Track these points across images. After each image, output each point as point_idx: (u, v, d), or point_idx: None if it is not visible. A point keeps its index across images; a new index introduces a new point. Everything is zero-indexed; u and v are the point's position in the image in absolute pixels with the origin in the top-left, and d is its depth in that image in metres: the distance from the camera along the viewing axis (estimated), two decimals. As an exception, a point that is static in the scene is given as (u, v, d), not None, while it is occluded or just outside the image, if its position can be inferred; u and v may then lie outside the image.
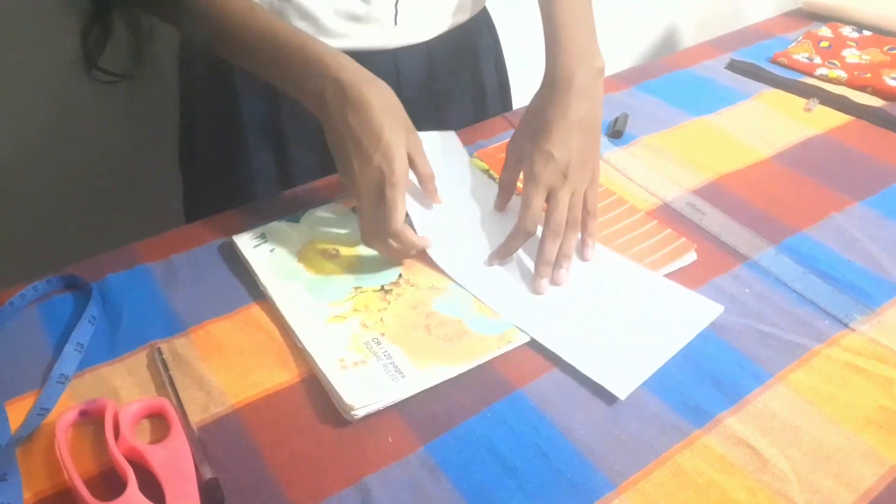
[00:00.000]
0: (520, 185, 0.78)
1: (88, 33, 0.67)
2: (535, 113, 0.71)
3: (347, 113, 0.63)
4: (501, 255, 0.68)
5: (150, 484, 0.49)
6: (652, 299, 0.65)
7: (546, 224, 0.67)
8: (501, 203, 0.73)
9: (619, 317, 0.64)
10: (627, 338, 0.62)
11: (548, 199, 0.68)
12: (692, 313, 0.64)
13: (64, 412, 0.53)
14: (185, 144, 0.91)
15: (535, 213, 0.67)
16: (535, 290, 0.65)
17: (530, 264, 0.68)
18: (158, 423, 0.54)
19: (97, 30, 0.67)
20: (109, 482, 0.50)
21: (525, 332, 0.61)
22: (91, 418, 0.54)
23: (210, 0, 0.67)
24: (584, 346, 0.60)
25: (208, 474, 0.50)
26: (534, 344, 0.61)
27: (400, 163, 0.63)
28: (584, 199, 0.70)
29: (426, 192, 0.69)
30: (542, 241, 0.67)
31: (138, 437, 0.53)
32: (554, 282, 0.66)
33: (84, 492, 0.48)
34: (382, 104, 0.64)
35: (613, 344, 0.61)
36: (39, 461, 0.51)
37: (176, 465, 0.50)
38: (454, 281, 0.66)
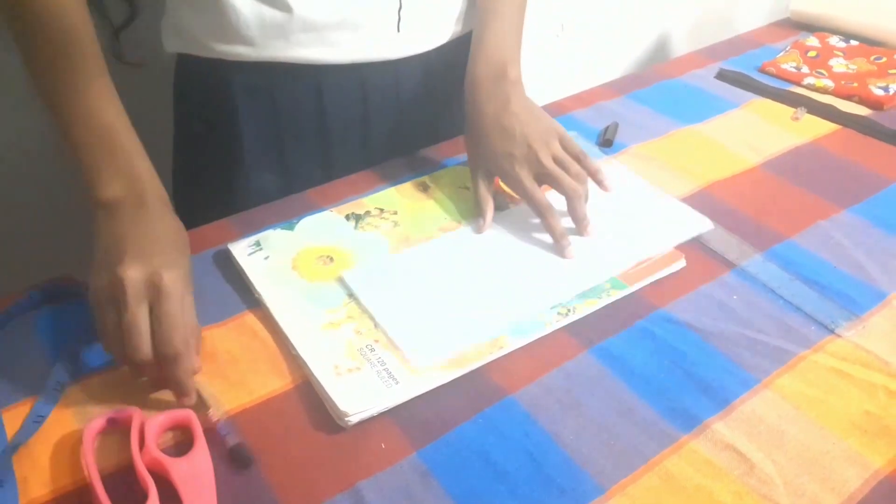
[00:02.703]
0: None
1: None
2: (470, 136, 0.75)
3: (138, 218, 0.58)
4: (564, 241, 0.70)
5: (171, 497, 0.49)
6: (644, 207, 0.75)
7: (565, 194, 0.70)
8: (484, 224, 0.73)
9: (615, 224, 0.72)
10: (624, 236, 0.71)
11: (545, 182, 0.71)
12: (683, 222, 0.73)
13: (92, 419, 0.53)
14: (179, 159, 0.89)
15: (544, 203, 0.70)
16: (565, 256, 0.69)
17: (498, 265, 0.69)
18: (182, 435, 0.55)
19: None
20: (130, 492, 0.50)
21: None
22: (118, 427, 0.54)
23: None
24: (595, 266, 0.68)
25: (234, 440, 0.53)
26: (526, 350, 0.61)
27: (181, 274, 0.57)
28: (567, 150, 0.73)
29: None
30: (572, 207, 0.70)
31: (162, 448, 0.53)
32: (588, 234, 0.71)
33: (105, 500, 0.48)
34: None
35: (612, 249, 0.70)
36: (35, 468, 0.52)
37: (197, 480, 0.50)
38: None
